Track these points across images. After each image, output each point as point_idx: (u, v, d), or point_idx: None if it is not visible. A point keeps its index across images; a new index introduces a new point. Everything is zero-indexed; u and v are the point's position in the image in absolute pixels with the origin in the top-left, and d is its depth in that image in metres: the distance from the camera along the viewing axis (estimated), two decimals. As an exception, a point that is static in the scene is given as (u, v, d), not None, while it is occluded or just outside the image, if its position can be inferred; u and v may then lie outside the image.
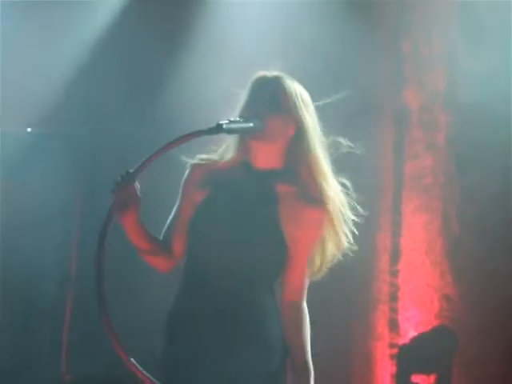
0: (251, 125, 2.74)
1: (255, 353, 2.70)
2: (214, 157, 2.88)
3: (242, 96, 2.84)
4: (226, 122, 2.72)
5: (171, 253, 2.84)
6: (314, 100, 2.90)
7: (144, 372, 2.65)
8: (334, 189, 2.82)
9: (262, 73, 2.85)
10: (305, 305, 2.84)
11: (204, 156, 2.89)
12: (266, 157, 2.82)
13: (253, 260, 2.72)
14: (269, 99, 2.78)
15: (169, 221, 2.89)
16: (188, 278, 2.79)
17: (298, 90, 2.83)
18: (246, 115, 2.76)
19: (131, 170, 2.71)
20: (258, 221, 2.75)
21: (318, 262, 2.83)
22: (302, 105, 2.81)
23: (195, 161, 2.89)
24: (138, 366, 2.65)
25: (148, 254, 2.81)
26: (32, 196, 5.69)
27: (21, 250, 5.65)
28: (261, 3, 5.64)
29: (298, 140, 2.80)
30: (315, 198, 2.79)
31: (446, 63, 5.61)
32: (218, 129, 2.71)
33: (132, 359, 2.65)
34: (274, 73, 2.85)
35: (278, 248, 2.75)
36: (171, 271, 2.88)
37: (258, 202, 2.78)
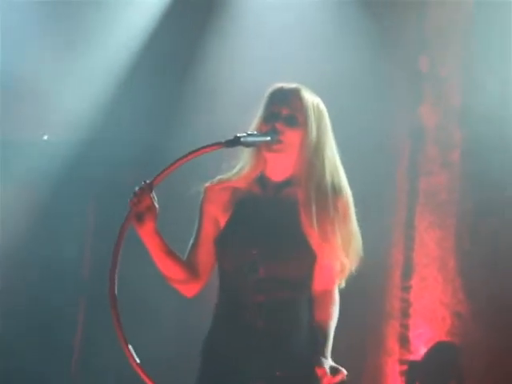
0: (268, 138, 2.76)
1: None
2: (229, 176, 2.89)
3: (260, 108, 2.85)
4: (244, 134, 2.74)
5: (197, 274, 2.85)
6: (329, 110, 2.92)
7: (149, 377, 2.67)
8: (345, 181, 2.85)
9: (279, 85, 2.87)
10: (336, 292, 2.86)
11: (220, 177, 2.90)
12: (282, 168, 2.84)
13: (285, 273, 2.73)
14: (286, 113, 2.79)
15: (191, 244, 2.89)
16: (223, 300, 2.81)
17: (314, 102, 2.84)
18: (264, 129, 2.78)
19: (148, 181, 2.72)
20: (284, 232, 2.77)
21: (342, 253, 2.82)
22: (317, 118, 2.82)
23: (212, 183, 2.89)
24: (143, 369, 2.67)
25: (170, 268, 2.80)
26: (46, 202, 5.72)
27: (35, 255, 5.68)
28: (280, 8, 5.68)
29: (310, 150, 2.80)
30: (331, 188, 2.80)
31: (461, 80, 5.61)
32: (236, 141, 2.73)
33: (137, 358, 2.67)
34: (292, 85, 2.86)
35: (307, 257, 2.76)
36: (194, 296, 2.88)
37: (280, 214, 2.80)
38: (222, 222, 2.84)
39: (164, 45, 5.79)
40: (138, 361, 2.67)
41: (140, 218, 2.71)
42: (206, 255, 2.85)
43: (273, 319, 2.73)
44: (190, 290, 2.87)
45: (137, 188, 2.71)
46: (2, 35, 5.51)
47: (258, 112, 2.84)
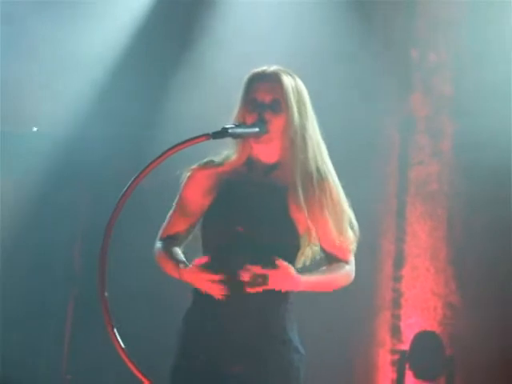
0: (257, 129, 2.77)
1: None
2: (217, 161, 2.90)
3: (240, 94, 2.85)
4: (232, 126, 2.74)
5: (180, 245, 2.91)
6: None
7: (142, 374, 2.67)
8: (328, 160, 2.87)
9: (258, 70, 2.87)
10: (352, 264, 2.91)
11: (205, 160, 2.91)
12: (269, 154, 2.85)
13: (269, 249, 2.73)
14: (270, 100, 2.80)
15: (167, 223, 2.93)
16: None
17: (293, 84, 2.84)
18: (249, 118, 2.79)
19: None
20: (271, 212, 2.78)
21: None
22: (297, 101, 2.83)
23: (199, 165, 2.91)
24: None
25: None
26: (38, 196, 5.70)
27: (25, 251, 5.67)
28: (268, 5, 5.66)
29: (292, 133, 2.82)
30: (316, 170, 2.82)
31: (453, 70, 5.60)
32: (224, 133, 2.72)
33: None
34: (270, 68, 2.87)
35: (292, 241, 2.79)
36: None
37: (267, 198, 2.81)
38: (206, 203, 2.85)
39: (153, 38, 5.77)
40: (123, 345, 2.67)
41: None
42: (185, 234, 2.90)
43: (253, 300, 2.73)
44: None
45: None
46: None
47: (240, 98, 2.84)
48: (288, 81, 2.83)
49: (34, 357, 5.58)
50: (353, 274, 2.90)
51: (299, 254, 2.84)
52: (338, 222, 2.82)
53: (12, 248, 5.65)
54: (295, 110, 2.81)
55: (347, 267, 2.87)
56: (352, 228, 2.87)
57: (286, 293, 2.78)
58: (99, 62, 5.73)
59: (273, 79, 2.83)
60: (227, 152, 2.89)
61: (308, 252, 2.87)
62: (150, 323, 5.34)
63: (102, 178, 5.54)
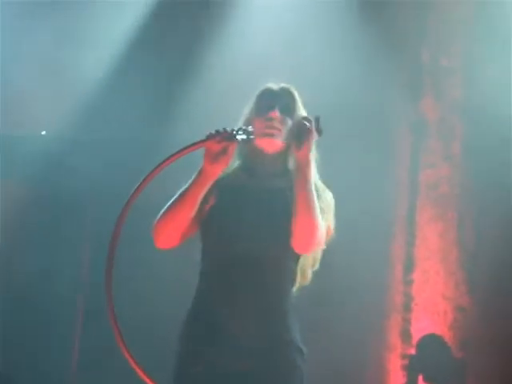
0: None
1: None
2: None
3: (249, 106, 2.92)
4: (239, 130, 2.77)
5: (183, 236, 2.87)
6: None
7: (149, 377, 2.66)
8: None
9: (270, 85, 2.94)
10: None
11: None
12: (271, 158, 2.89)
13: (268, 253, 2.77)
14: (284, 113, 2.86)
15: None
16: (210, 276, 2.81)
17: (302, 103, 2.94)
18: (258, 123, 2.83)
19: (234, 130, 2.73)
20: (273, 215, 2.80)
21: None
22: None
23: None
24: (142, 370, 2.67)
25: (187, 214, 2.79)
26: (44, 200, 5.71)
27: (32, 254, 5.67)
28: (275, 9, 5.66)
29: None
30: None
31: (464, 73, 5.59)
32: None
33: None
34: (282, 84, 2.94)
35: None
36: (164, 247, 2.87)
37: (268, 199, 2.84)
38: (206, 208, 2.85)
39: (157, 42, 5.78)
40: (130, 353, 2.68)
41: (213, 159, 2.72)
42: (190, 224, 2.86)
43: (258, 304, 2.74)
44: (171, 240, 2.85)
45: (223, 130, 2.71)
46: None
47: (248, 110, 2.91)
48: (298, 97, 2.92)
49: (40, 360, 5.58)
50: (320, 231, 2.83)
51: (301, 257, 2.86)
52: (326, 212, 2.85)
53: (16, 252, 5.66)
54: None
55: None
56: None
57: (288, 290, 2.80)
58: (102, 64, 5.73)
59: (285, 92, 2.91)
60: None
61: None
62: (155, 324, 5.33)
63: (107, 182, 5.52)
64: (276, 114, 2.83)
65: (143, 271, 5.45)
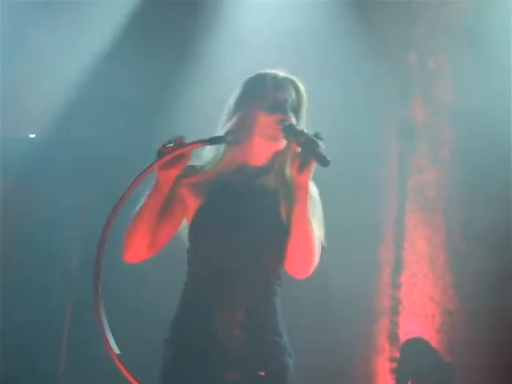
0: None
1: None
2: (202, 164, 2.87)
3: (251, 93, 2.84)
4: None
5: (154, 245, 2.79)
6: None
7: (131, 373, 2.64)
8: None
9: (273, 72, 2.88)
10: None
11: (193, 164, 2.86)
12: (264, 157, 2.84)
13: (263, 252, 2.74)
14: (290, 102, 2.81)
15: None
16: (198, 278, 2.78)
17: (304, 91, 2.88)
18: (273, 121, 2.78)
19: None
20: (264, 215, 2.77)
21: None
22: (306, 110, 2.88)
23: (185, 171, 2.83)
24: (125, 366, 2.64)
25: (149, 223, 2.73)
26: (37, 201, 5.70)
27: (23, 255, 5.66)
28: (267, 7, 5.67)
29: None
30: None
31: (452, 77, 5.60)
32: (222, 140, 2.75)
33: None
34: (287, 74, 2.88)
35: (283, 238, 2.75)
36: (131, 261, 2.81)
37: (259, 199, 2.81)
38: (193, 207, 2.80)
39: (147, 38, 5.78)
40: (118, 351, 2.64)
41: (167, 165, 2.66)
42: (169, 228, 2.80)
43: (248, 307, 2.71)
44: (139, 254, 2.78)
45: (176, 138, 2.67)
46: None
47: (252, 96, 2.82)
48: (302, 87, 2.86)
49: (33, 358, 5.57)
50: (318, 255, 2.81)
51: None
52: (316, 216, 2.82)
53: (10, 251, 5.65)
54: (304, 117, 2.84)
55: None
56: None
57: (277, 291, 2.78)
58: (90, 61, 5.73)
59: (291, 83, 2.85)
60: (212, 155, 2.86)
61: None
62: (144, 326, 5.33)
63: (101, 181, 5.52)
64: (291, 119, 2.77)
65: (130, 276, 5.45)
